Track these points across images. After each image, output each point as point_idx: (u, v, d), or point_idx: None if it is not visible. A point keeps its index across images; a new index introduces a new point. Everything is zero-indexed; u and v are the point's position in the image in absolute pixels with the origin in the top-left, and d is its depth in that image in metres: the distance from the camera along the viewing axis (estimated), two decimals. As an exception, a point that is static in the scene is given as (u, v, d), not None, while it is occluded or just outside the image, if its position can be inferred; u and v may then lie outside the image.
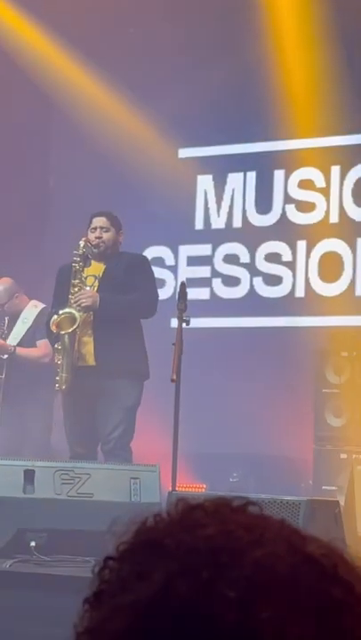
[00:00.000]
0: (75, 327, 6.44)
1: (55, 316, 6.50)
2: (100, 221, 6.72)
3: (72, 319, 6.46)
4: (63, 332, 6.46)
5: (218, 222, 9.47)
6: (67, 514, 5.01)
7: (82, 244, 6.64)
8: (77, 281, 6.59)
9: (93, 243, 6.65)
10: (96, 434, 6.42)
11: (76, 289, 6.56)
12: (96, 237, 6.66)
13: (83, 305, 6.48)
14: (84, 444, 6.41)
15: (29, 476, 5.13)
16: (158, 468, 5.39)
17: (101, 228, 6.69)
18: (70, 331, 6.44)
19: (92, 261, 6.70)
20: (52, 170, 9.73)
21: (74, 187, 9.31)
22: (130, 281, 6.60)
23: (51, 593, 4.21)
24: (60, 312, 6.51)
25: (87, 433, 6.42)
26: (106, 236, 6.68)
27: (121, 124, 9.19)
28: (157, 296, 6.77)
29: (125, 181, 9.12)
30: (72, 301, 6.52)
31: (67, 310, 6.49)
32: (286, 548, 0.77)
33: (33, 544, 4.81)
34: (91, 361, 6.50)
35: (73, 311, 6.48)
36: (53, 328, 6.51)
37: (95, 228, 6.69)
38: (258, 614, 0.73)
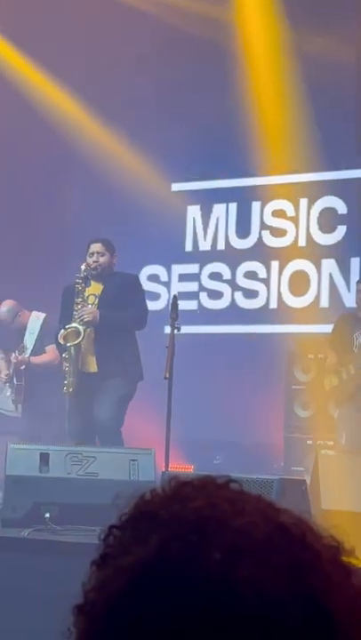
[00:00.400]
0: (80, 340, 6.43)
1: (63, 331, 6.51)
2: (96, 247, 6.68)
3: (77, 333, 6.46)
4: (70, 344, 6.46)
5: (204, 245, 9.49)
6: (76, 490, 5.00)
7: (83, 267, 6.61)
8: (80, 299, 6.55)
9: (92, 266, 6.62)
10: (93, 426, 6.40)
11: (79, 306, 6.53)
12: (93, 261, 6.62)
13: (85, 320, 6.46)
14: (83, 436, 6.37)
15: (44, 458, 5.12)
16: (153, 451, 5.38)
17: (98, 253, 6.65)
18: (76, 343, 6.43)
19: (92, 282, 6.66)
20: (65, 202, 9.72)
21: (83, 216, 9.31)
22: (124, 298, 6.58)
23: (62, 557, 4.20)
24: (67, 327, 6.51)
25: (87, 426, 6.39)
26: (102, 259, 6.64)
27: (123, 164, 9.21)
28: (147, 310, 6.71)
29: (127, 211, 9.14)
30: (76, 317, 6.51)
31: (72, 325, 6.49)
32: (262, 518, 0.77)
33: (47, 515, 4.80)
34: (93, 368, 6.49)
35: (77, 326, 6.47)
36: (61, 340, 6.51)
37: (92, 253, 6.65)
38: (238, 573, 0.73)
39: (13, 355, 7.84)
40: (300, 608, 0.73)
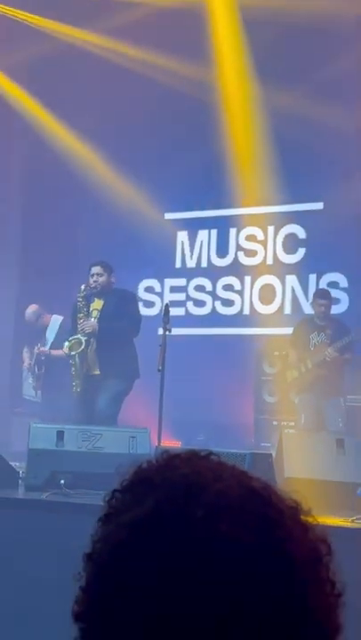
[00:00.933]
0: (82, 348, 6.36)
1: (67, 342, 6.48)
2: (96, 269, 6.57)
3: (79, 343, 6.39)
4: (74, 353, 6.39)
5: (191, 263, 9.50)
6: (86, 461, 4.98)
7: (83, 287, 6.52)
8: (81, 314, 6.47)
9: (92, 285, 6.53)
10: (95, 416, 6.32)
11: (81, 320, 6.45)
12: (94, 281, 6.53)
13: (86, 332, 6.40)
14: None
15: (60, 435, 5.10)
16: (149, 430, 5.37)
17: (97, 274, 6.54)
18: (79, 351, 6.37)
19: (95, 299, 6.56)
20: (78, 228, 9.71)
21: (93, 239, 9.31)
22: (121, 311, 6.46)
23: (74, 515, 4.19)
24: (70, 338, 6.47)
25: (89, 417, 6.32)
26: (101, 279, 6.53)
27: (126, 197, 9.21)
28: (140, 321, 6.55)
29: (129, 235, 9.15)
30: (79, 329, 6.45)
31: (75, 337, 6.44)
32: (237, 483, 0.77)
33: (62, 482, 4.78)
34: (96, 371, 6.43)
35: (79, 337, 6.41)
36: (67, 351, 6.46)
37: (93, 275, 6.55)
38: (217, 527, 0.73)
39: (36, 347, 7.91)
40: (268, 555, 0.73)
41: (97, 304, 6.57)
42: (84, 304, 6.51)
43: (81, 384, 6.38)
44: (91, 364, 6.44)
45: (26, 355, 8.25)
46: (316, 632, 0.74)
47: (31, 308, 8.16)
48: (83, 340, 6.37)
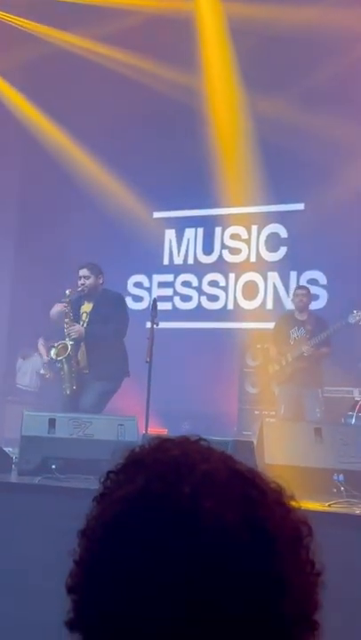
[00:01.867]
0: (68, 353, 6.25)
1: (54, 349, 6.40)
2: (82, 272, 6.42)
3: (65, 348, 6.30)
4: (60, 358, 6.29)
5: (178, 260, 9.50)
6: (76, 447, 4.97)
7: (68, 293, 6.38)
8: (67, 320, 6.34)
9: (79, 288, 6.40)
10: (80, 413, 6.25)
11: (67, 325, 6.33)
12: (81, 284, 6.39)
13: (72, 337, 6.30)
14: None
15: (52, 422, 5.09)
16: (136, 418, 5.36)
17: (84, 276, 6.39)
18: (65, 356, 6.27)
19: (85, 301, 6.42)
20: (71, 225, 9.68)
21: (83, 236, 9.28)
22: (109, 314, 6.34)
23: (64, 498, 4.18)
24: (56, 344, 6.38)
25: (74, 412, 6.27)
26: (87, 282, 6.37)
27: (116, 197, 9.19)
28: (127, 323, 6.38)
29: (120, 233, 9.12)
30: (65, 334, 6.34)
31: (61, 342, 6.35)
32: (223, 465, 0.78)
33: (53, 467, 4.78)
34: (86, 370, 6.35)
35: (65, 342, 6.31)
36: (54, 356, 6.38)
37: (80, 277, 6.41)
38: (203, 503, 0.74)
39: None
40: (249, 532, 0.74)
41: (87, 307, 6.43)
42: (70, 309, 6.37)
43: (70, 387, 6.32)
44: (82, 365, 6.37)
45: (42, 348, 8.24)
46: (296, 608, 0.74)
47: (56, 308, 8.01)
48: (69, 345, 6.26)
